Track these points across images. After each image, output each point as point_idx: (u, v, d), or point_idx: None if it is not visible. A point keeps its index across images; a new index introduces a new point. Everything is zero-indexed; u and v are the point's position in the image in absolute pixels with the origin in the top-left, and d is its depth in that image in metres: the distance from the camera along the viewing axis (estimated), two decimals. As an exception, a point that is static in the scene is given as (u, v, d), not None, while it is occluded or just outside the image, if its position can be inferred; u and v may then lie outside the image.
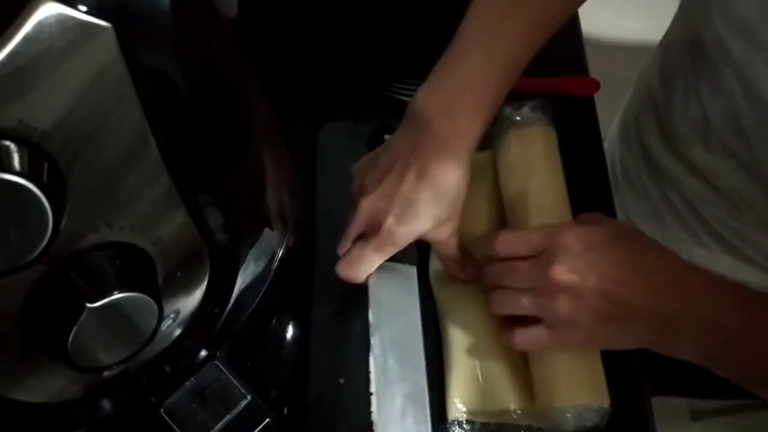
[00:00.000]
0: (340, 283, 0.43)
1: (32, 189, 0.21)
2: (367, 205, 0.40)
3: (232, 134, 0.31)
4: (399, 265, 0.46)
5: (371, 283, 0.45)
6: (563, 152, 0.48)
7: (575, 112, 0.53)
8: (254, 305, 0.38)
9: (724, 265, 0.53)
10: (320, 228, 0.48)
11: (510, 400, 0.42)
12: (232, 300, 0.37)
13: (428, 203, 0.39)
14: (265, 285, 0.38)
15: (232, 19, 0.31)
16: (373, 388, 0.42)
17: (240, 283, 0.35)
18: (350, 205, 0.42)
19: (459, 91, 0.40)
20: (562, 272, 0.37)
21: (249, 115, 0.33)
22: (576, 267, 0.37)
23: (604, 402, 0.40)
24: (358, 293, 0.45)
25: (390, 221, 0.39)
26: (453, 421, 0.42)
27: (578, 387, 0.40)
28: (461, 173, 0.40)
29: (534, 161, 0.46)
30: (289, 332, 0.45)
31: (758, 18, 0.40)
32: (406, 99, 0.52)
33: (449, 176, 0.40)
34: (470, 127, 0.40)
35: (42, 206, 0.22)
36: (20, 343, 0.27)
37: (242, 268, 0.35)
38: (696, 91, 0.48)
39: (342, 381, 0.43)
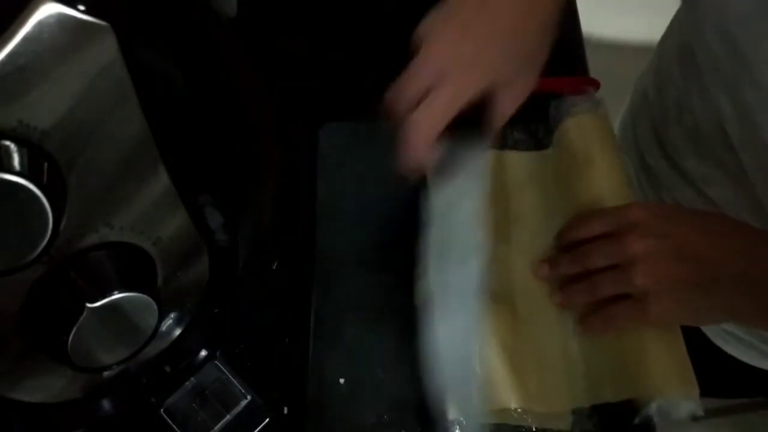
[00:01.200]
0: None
1: (32, 189, 0.21)
2: (433, 54, 0.36)
3: (232, 134, 0.31)
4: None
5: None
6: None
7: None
8: (254, 305, 0.38)
9: None
10: (320, 228, 0.48)
11: (510, 400, 0.42)
12: (232, 300, 0.37)
13: (505, 55, 0.36)
14: (265, 285, 0.38)
15: (232, 18, 0.31)
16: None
17: (240, 282, 0.35)
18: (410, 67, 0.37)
19: None
20: (639, 241, 0.37)
21: (248, 115, 0.33)
22: (652, 234, 0.37)
23: (694, 391, 0.39)
24: (359, 293, 0.45)
25: (459, 70, 0.35)
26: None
27: (668, 375, 0.39)
28: (542, 31, 0.37)
29: (594, 148, 0.46)
30: (289, 332, 0.45)
31: (748, 37, 0.40)
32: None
33: (529, 33, 0.37)
34: None
35: (42, 206, 0.22)
36: (20, 343, 0.27)
37: (242, 268, 0.35)
38: (688, 103, 0.49)
39: (342, 381, 0.43)
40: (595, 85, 0.56)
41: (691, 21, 0.47)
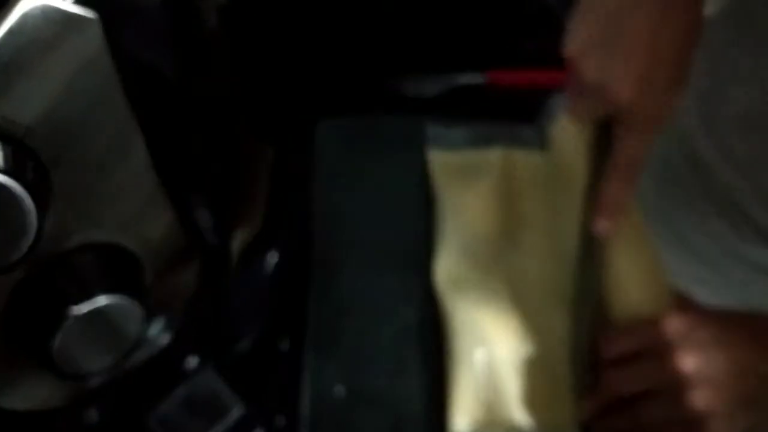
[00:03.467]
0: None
1: (15, 187, 0.21)
2: (633, 104, 0.35)
3: (222, 130, 0.31)
4: None
5: None
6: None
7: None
8: (247, 310, 0.37)
9: (766, 257, 0.51)
10: (317, 228, 0.47)
11: (518, 412, 0.41)
12: (223, 304, 0.36)
13: (672, 59, 0.35)
14: (259, 288, 0.37)
15: (228, 15, 0.30)
16: None
17: (232, 286, 0.35)
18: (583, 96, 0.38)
19: None
20: (688, 359, 0.34)
21: (237, 112, 0.33)
22: (698, 348, 0.35)
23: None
24: (357, 294, 0.44)
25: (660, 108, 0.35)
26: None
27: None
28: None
29: (578, 152, 0.44)
30: (284, 338, 0.44)
31: None
32: (405, 93, 0.52)
33: (689, 23, 0.35)
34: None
35: (26, 205, 0.21)
36: (2, 348, 0.27)
37: (234, 270, 0.34)
38: (737, 79, 0.47)
39: (340, 389, 0.42)
40: None
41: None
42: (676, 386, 0.35)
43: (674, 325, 0.36)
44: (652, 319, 0.38)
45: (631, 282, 0.42)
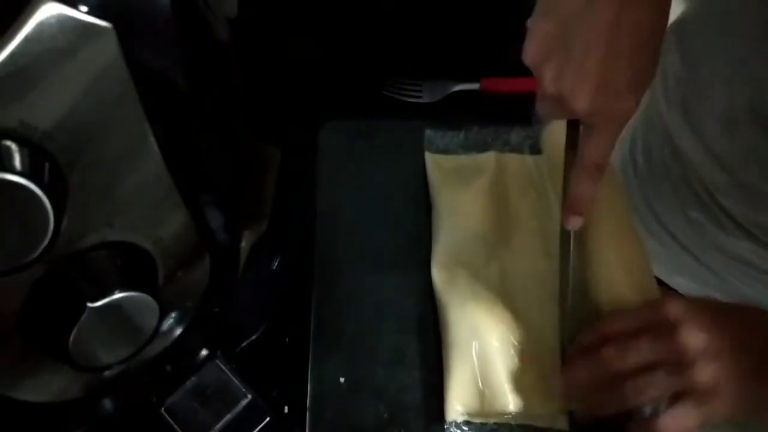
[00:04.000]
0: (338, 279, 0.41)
1: (33, 189, 0.21)
2: (585, 107, 0.33)
3: (233, 134, 0.31)
4: None
5: None
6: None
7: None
8: (255, 304, 0.38)
9: (743, 248, 0.52)
10: (320, 227, 0.48)
11: (509, 401, 0.42)
12: (232, 299, 0.37)
13: (638, 73, 0.33)
14: (266, 284, 0.38)
15: (232, 18, 0.31)
16: None
17: (240, 282, 0.35)
18: (548, 104, 0.36)
19: None
20: (694, 335, 0.35)
21: (245, 116, 0.33)
22: (704, 328, 0.35)
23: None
24: (359, 293, 0.45)
25: (619, 107, 0.33)
26: (451, 423, 0.42)
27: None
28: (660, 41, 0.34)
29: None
30: (289, 331, 0.45)
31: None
32: (405, 99, 0.52)
33: (652, 46, 0.33)
34: None
35: (43, 206, 0.22)
36: (21, 343, 0.27)
37: (242, 267, 0.35)
38: (718, 79, 0.47)
39: (342, 380, 0.43)
40: None
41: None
42: (682, 359, 0.35)
43: (674, 306, 0.37)
44: (649, 304, 0.38)
45: (616, 271, 0.42)
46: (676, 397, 0.36)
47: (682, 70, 0.53)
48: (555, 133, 0.47)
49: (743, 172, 0.48)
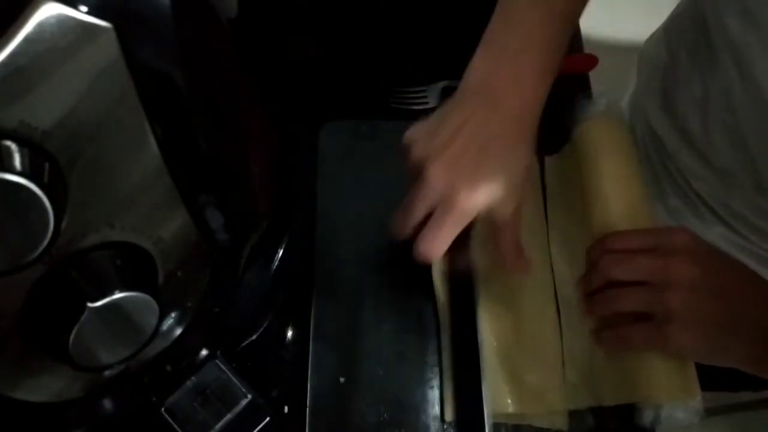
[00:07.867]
0: (338, 280, 0.42)
1: (33, 189, 0.21)
2: (436, 176, 0.36)
3: (232, 134, 0.31)
4: None
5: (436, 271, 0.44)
6: (558, 134, 0.48)
7: (570, 89, 0.52)
8: (255, 304, 0.38)
9: (714, 233, 0.53)
10: (320, 227, 0.48)
11: (508, 400, 0.42)
12: (232, 299, 0.37)
13: (501, 170, 0.36)
14: (266, 284, 0.38)
15: (232, 19, 0.31)
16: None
17: (240, 282, 0.35)
18: (411, 176, 0.38)
19: (522, 58, 0.38)
20: (686, 265, 0.37)
21: (248, 116, 0.33)
22: (696, 263, 0.37)
23: (695, 398, 0.38)
24: (358, 292, 0.45)
25: (464, 192, 0.36)
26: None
27: (669, 382, 0.38)
28: (530, 141, 0.38)
29: (604, 155, 0.46)
30: (290, 331, 0.45)
31: (758, 0, 0.39)
32: (413, 108, 0.53)
33: (519, 145, 0.38)
34: (537, 93, 0.38)
35: (43, 206, 0.22)
36: (21, 342, 0.27)
37: (243, 267, 0.35)
38: (698, 68, 0.48)
39: (342, 380, 0.43)
40: (593, 61, 0.56)
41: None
42: (661, 282, 0.37)
43: (681, 235, 0.39)
44: (665, 228, 0.40)
45: (621, 215, 0.43)
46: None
47: (668, 60, 0.54)
48: (581, 136, 0.47)
49: (715, 156, 0.49)
